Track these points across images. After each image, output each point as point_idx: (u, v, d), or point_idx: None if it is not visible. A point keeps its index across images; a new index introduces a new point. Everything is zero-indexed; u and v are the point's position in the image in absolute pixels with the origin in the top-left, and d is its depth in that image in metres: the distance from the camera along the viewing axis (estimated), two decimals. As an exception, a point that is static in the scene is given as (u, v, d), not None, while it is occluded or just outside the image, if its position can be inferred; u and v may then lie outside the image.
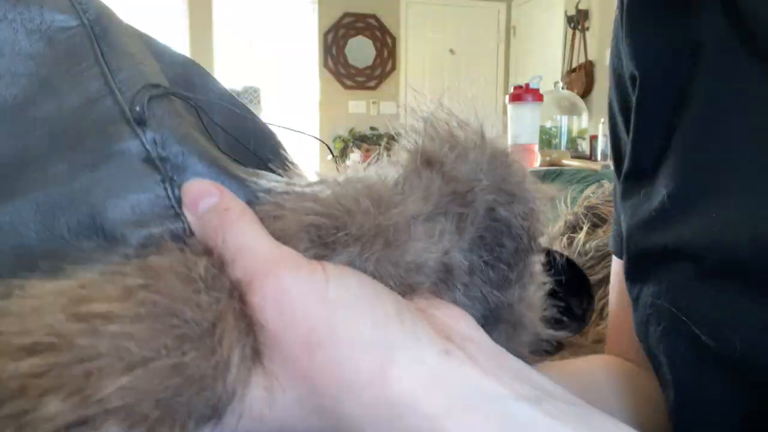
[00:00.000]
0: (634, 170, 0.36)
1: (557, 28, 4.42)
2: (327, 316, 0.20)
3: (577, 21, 4.12)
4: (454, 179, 0.25)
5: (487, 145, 0.27)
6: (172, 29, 4.55)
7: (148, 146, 0.23)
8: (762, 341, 0.27)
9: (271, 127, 0.35)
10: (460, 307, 0.25)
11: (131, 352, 0.18)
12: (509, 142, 1.75)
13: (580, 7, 4.10)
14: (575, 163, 1.74)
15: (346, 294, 0.21)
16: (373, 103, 5.14)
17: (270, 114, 4.65)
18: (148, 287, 0.20)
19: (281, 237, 0.23)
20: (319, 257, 0.23)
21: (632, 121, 0.37)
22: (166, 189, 0.23)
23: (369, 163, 0.26)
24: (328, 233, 0.23)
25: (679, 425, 0.33)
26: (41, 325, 0.18)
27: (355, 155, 4.74)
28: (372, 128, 5.10)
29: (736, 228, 0.28)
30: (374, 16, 5.03)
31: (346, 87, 5.07)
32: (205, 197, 0.23)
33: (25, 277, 0.20)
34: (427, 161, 0.26)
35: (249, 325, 0.21)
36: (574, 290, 0.51)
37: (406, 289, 0.24)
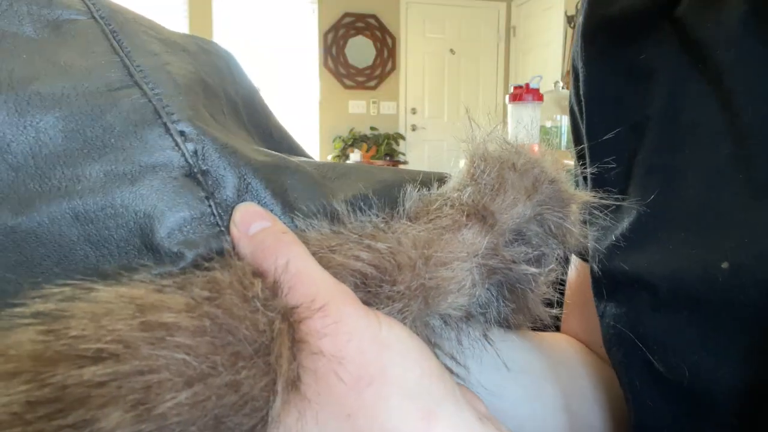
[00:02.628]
0: (602, 188, 0.37)
1: (557, 28, 4.42)
2: (379, 356, 0.20)
3: (577, 21, 4.11)
4: (501, 234, 0.26)
5: (542, 191, 0.27)
6: (171, 29, 4.55)
7: (190, 160, 0.23)
8: (708, 371, 0.27)
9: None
10: None
11: (191, 366, 0.18)
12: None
13: (580, 7, 4.10)
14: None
15: (396, 340, 0.21)
16: (373, 103, 5.13)
17: (270, 114, 4.65)
18: (212, 300, 0.20)
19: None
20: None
21: (587, 151, 0.38)
22: (210, 205, 0.23)
23: (424, 218, 0.26)
24: (373, 283, 0.23)
25: None
26: (109, 330, 0.18)
27: (355, 155, 4.74)
28: (372, 128, 5.10)
29: (688, 262, 0.29)
30: (374, 16, 5.03)
31: (346, 87, 5.07)
32: (258, 220, 0.23)
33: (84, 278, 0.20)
34: (478, 215, 0.26)
35: (298, 350, 0.21)
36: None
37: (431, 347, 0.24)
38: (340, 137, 5.00)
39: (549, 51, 4.56)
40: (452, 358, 0.25)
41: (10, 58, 0.22)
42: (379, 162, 4.75)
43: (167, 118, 0.23)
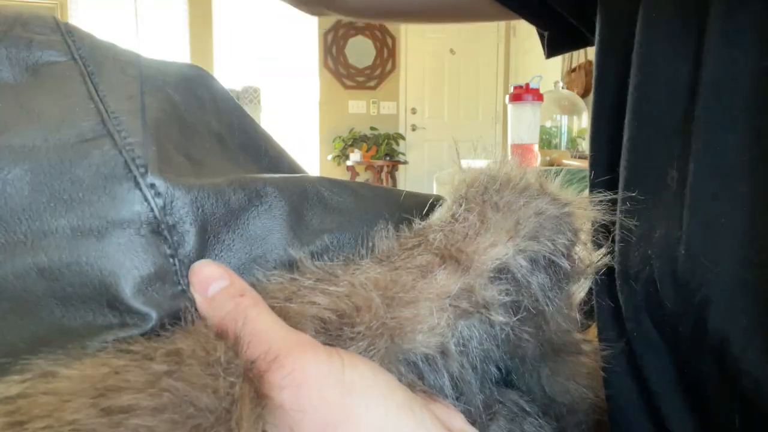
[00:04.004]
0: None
1: (557, 28, 4.41)
2: (343, 400, 0.21)
3: (577, 21, 4.12)
4: (479, 275, 0.25)
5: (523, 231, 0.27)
6: (172, 29, 4.56)
7: (157, 214, 0.22)
8: None
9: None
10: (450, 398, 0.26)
11: None
12: (509, 142, 1.75)
13: None
14: (575, 163, 1.73)
15: (361, 381, 0.21)
16: (373, 103, 5.14)
17: (270, 114, 4.65)
18: (171, 374, 0.20)
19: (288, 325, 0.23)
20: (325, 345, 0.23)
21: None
22: (174, 264, 0.22)
23: (392, 258, 0.26)
24: (333, 326, 0.23)
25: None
26: (69, 420, 0.18)
27: (354, 155, 4.74)
28: (372, 128, 5.10)
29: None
30: (374, 16, 5.03)
31: (346, 87, 5.07)
32: (215, 281, 0.23)
33: (48, 354, 0.20)
34: (452, 258, 0.26)
35: (262, 408, 0.21)
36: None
37: (405, 381, 0.24)
38: (340, 137, 5.00)
39: (549, 51, 4.56)
40: (435, 391, 0.25)
41: None
42: (379, 162, 4.75)
43: (137, 171, 0.22)
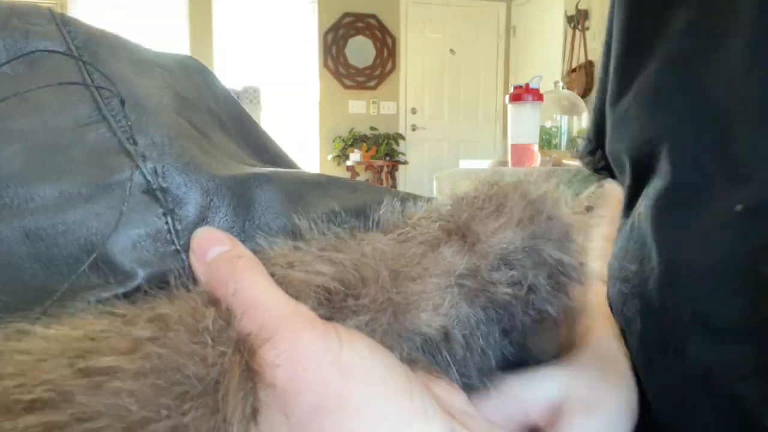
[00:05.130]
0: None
1: (557, 28, 4.42)
2: (339, 382, 0.20)
3: (577, 21, 4.12)
4: (485, 257, 0.25)
5: (527, 216, 0.26)
6: (172, 29, 4.55)
7: (148, 177, 0.22)
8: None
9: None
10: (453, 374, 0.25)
11: (131, 411, 0.17)
12: (509, 142, 1.75)
13: (580, 7, 4.10)
14: (575, 163, 1.73)
15: (359, 361, 0.20)
16: (373, 103, 5.14)
17: (270, 114, 4.65)
18: (155, 340, 0.19)
19: (288, 293, 0.22)
20: (324, 318, 0.22)
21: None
22: (167, 222, 0.22)
23: (398, 231, 0.25)
24: (338, 298, 0.22)
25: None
26: (43, 380, 0.17)
27: (354, 155, 4.74)
28: (372, 128, 5.10)
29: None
30: (374, 16, 5.03)
31: (346, 87, 5.07)
32: (215, 245, 0.22)
33: (26, 316, 0.19)
34: (459, 233, 0.25)
35: (253, 382, 0.20)
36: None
37: (406, 358, 0.23)
38: (340, 137, 5.00)
39: (549, 51, 4.56)
40: (429, 367, 0.24)
41: None
42: (379, 162, 4.75)
43: (131, 147, 0.22)
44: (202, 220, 0.23)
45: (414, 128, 5.24)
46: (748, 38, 0.29)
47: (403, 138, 5.16)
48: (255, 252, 0.23)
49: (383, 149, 4.95)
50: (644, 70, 0.36)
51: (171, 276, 0.22)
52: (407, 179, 5.22)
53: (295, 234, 0.24)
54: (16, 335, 0.19)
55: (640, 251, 0.33)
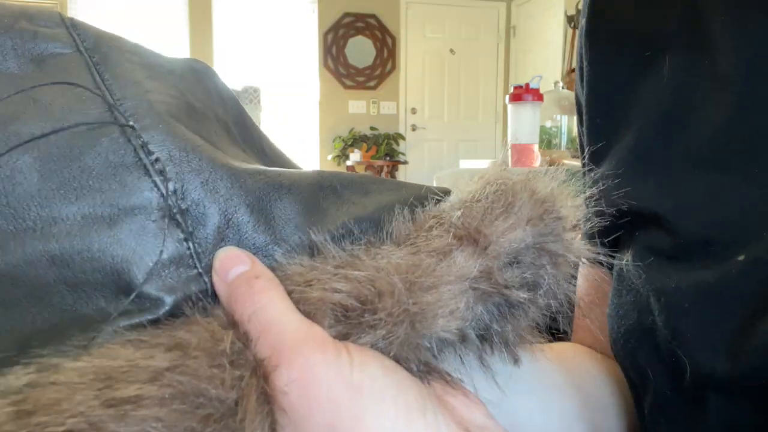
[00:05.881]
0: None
1: (557, 28, 4.42)
2: (351, 403, 0.20)
3: (577, 21, 4.12)
4: (496, 257, 0.25)
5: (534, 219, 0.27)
6: (172, 29, 4.55)
7: (169, 200, 0.22)
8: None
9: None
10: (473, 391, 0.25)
11: None
12: (509, 142, 1.75)
13: (580, 7, 4.09)
14: (575, 163, 1.73)
15: (370, 381, 0.21)
16: (373, 103, 5.14)
17: (270, 114, 4.65)
18: (175, 369, 0.19)
19: (305, 311, 0.22)
20: (341, 335, 0.22)
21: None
22: (189, 248, 0.22)
23: (410, 242, 0.25)
24: (354, 314, 0.22)
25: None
26: (74, 412, 0.18)
27: (354, 155, 4.74)
28: (372, 128, 5.10)
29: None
30: (374, 16, 5.03)
31: (346, 87, 5.07)
32: (237, 265, 0.22)
33: (56, 347, 0.20)
34: (470, 238, 0.25)
35: (270, 405, 0.20)
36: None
37: (424, 369, 0.23)
38: (340, 137, 5.00)
39: (549, 51, 4.56)
40: (447, 376, 0.25)
41: None
42: (379, 162, 4.75)
43: (146, 158, 0.22)
44: (221, 240, 0.23)
45: (414, 128, 5.24)
46: (738, 90, 0.29)
47: (403, 138, 5.16)
48: (273, 269, 0.24)
49: (383, 149, 4.95)
50: (621, 136, 0.35)
51: (191, 300, 0.22)
52: (407, 179, 5.21)
53: (312, 249, 0.25)
54: (49, 369, 0.19)
55: (634, 303, 0.32)
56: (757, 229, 0.27)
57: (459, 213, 0.26)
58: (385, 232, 0.26)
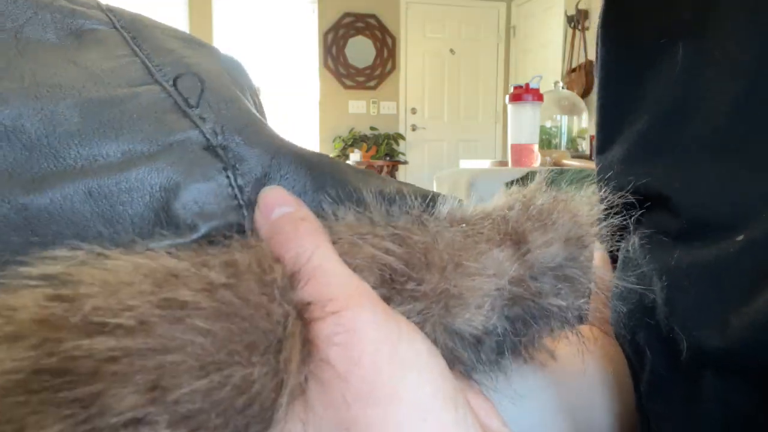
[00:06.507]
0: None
1: (557, 28, 4.42)
2: (393, 375, 0.19)
3: (577, 21, 4.12)
4: (530, 268, 0.25)
5: (571, 234, 0.27)
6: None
7: (208, 135, 0.23)
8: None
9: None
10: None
11: (207, 351, 0.17)
12: (509, 142, 1.75)
13: (580, 7, 4.10)
14: (575, 163, 1.73)
15: (414, 357, 0.20)
16: (373, 103, 5.14)
17: (270, 114, 4.65)
18: (229, 286, 0.19)
19: (351, 265, 0.21)
20: (382, 298, 0.21)
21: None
22: (228, 177, 0.22)
23: (465, 227, 0.25)
24: (401, 279, 0.22)
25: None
26: (124, 304, 0.17)
27: (354, 155, 4.74)
28: (372, 128, 5.10)
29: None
30: (374, 16, 5.03)
31: (346, 87, 5.07)
32: (281, 205, 0.22)
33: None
34: (514, 240, 0.25)
35: (307, 353, 0.19)
36: None
37: (450, 356, 0.23)
38: (340, 137, 5.00)
39: (549, 51, 4.56)
40: (470, 370, 0.24)
41: (34, 62, 0.23)
42: (379, 162, 4.75)
43: (186, 105, 0.23)
44: (264, 176, 0.23)
45: (414, 128, 5.24)
46: (748, 80, 0.30)
47: (403, 138, 5.16)
48: (319, 215, 0.23)
49: (383, 149, 4.95)
50: (632, 121, 0.36)
51: (233, 229, 0.22)
52: (407, 179, 5.21)
53: (360, 205, 0.24)
54: (95, 258, 0.19)
55: (638, 282, 0.32)
56: (755, 211, 0.27)
57: (514, 213, 0.26)
58: (437, 209, 0.25)
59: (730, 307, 0.27)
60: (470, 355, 0.24)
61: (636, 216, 0.34)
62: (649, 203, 0.33)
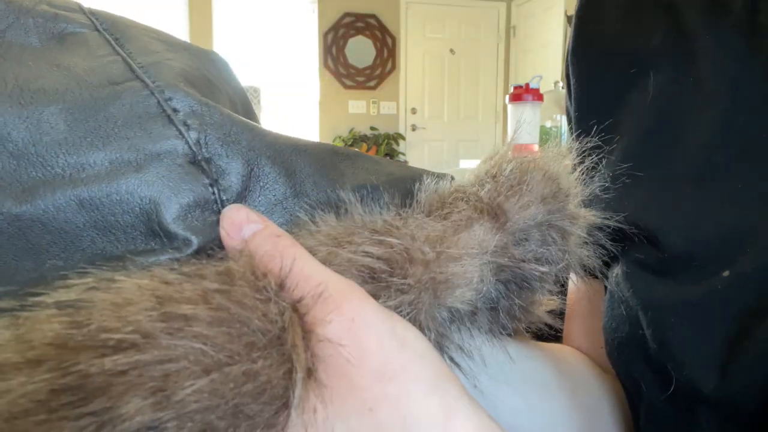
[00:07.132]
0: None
1: (557, 28, 4.42)
2: (399, 352, 0.20)
3: (577, 21, 4.12)
4: (512, 234, 0.26)
5: (548, 198, 0.27)
6: (172, 29, 4.53)
7: (193, 147, 0.23)
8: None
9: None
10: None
11: (208, 355, 0.19)
12: (509, 142, 1.75)
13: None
14: (575, 163, 1.73)
15: (413, 340, 0.21)
16: (373, 103, 5.13)
17: (270, 114, 4.65)
18: (223, 292, 0.20)
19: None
20: (371, 296, 0.22)
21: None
22: (214, 193, 0.23)
23: (442, 206, 0.26)
24: (383, 276, 0.23)
25: None
26: (129, 321, 0.19)
27: (355, 155, 4.73)
28: (372, 128, 5.10)
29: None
30: (374, 16, 5.03)
31: (346, 87, 5.07)
32: (248, 224, 0.23)
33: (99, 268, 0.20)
34: (491, 213, 0.26)
35: (308, 340, 0.21)
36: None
37: (439, 339, 0.24)
38: (340, 137, 4.99)
39: (549, 51, 4.56)
40: (460, 348, 0.25)
41: (17, 66, 0.23)
42: (379, 162, 4.75)
43: (170, 109, 0.23)
44: (245, 189, 0.24)
45: (414, 128, 5.24)
46: (722, 108, 0.30)
47: (403, 138, 5.16)
48: (297, 224, 0.24)
49: (383, 149, 4.95)
50: (607, 152, 0.36)
51: (212, 244, 0.23)
52: (407, 179, 5.21)
53: (338, 208, 0.25)
54: (104, 283, 0.20)
55: (626, 316, 0.32)
56: (740, 245, 0.27)
57: (486, 188, 0.27)
58: (414, 201, 0.27)
59: (719, 347, 0.27)
60: (460, 332, 0.25)
61: (619, 249, 0.34)
62: (630, 234, 0.33)
